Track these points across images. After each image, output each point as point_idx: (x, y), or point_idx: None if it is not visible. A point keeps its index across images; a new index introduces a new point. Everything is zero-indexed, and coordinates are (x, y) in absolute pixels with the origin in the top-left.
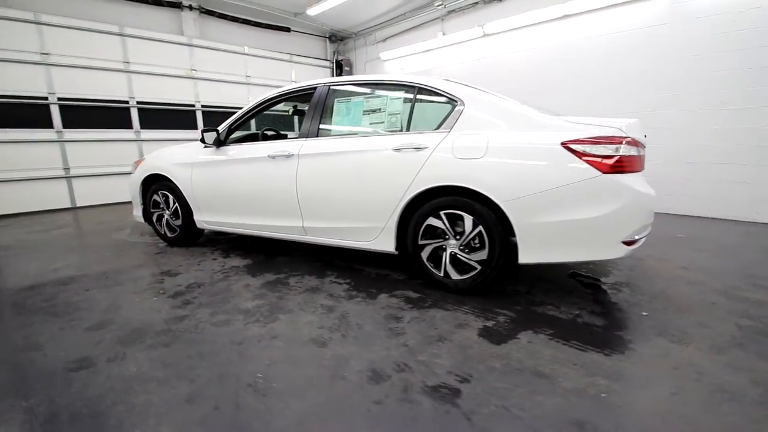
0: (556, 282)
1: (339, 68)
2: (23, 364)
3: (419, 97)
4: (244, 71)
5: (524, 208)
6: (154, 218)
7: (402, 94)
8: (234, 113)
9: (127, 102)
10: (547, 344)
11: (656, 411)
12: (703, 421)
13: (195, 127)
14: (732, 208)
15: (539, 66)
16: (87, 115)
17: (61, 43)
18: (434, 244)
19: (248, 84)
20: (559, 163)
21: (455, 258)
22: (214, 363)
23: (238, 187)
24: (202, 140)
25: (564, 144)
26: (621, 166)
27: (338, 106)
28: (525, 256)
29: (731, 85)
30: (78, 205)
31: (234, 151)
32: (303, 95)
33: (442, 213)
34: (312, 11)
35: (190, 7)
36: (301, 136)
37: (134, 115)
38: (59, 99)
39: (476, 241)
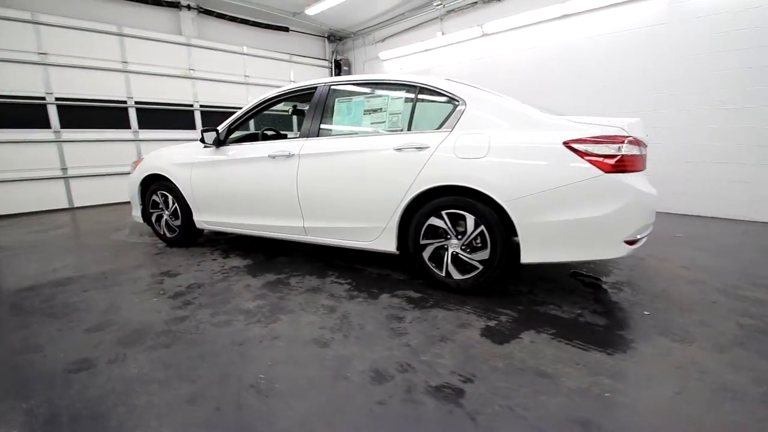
0: (557, 281)
1: (338, 68)
2: (22, 366)
3: (420, 96)
4: (242, 71)
5: (526, 207)
6: (153, 218)
7: (403, 94)
8: (232, 113)
9: (125, 102)
10: (549, 344)
11: (660, 410)
12: (706, 420)
13: (193, 127)
14: (731, 207)
15: (539, 65)
16: (85, 115)
17: (59, 43)
18: (436, 243)
19: (247, 84)
20: (561, 162)
21: (457, 258)
22: (216, 364)
23: (239, 187)
24: (202, 140)
25: (566, 143)
26: (623, 166)
27: (339, 105)
28: (527, 256)
29: (730, 84)
30: (76, 205)
31: (234, 150)
32: (303, 95)
33: (443, 213)
34: (311, 11)
35: (189, 7)
36: (301, 135)
37: (132, 115)
38: (57, 99)
39: (478, 240)
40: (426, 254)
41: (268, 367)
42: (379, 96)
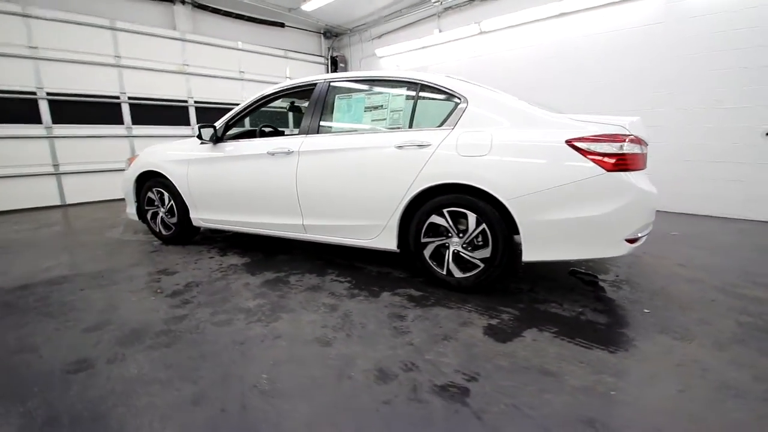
0: (557, 280)
1: (334, 65)
2: (19, 367)
3: (422, 94)
4: (237, 67)
5: (528, 205)
6: (149, 216)
7: (404, 91)
8: (227, 110)
9: (118, 97)
10: (552, 342)
11: (664, 408)
12: (709, 418)
13: (188, 124)
14: (727, 206)
15: (536, 64)
16: (77, 110)
17: (50, 37)
18: (437, 242)
19: (242, 80)
20: (563, 160)
21: (458, 256)
22: (217, 363)
23: (237, 184)
24: (199, 136)
25: (568, 142)
26: (625, 164)
27: (339, 102)
28: (529, 254)
29: (727, 84)
30: (68, 202)
31: (231, 147)
32: (302, 91)
33: (445, 211)
34: (307, 6)
35: (183, 1)
36: (300, 132)
37: (125, 110)
38: (48, 94)
39: (479, 239)
40: (427, 252)
41: (271, 367)
42: (380, 93)
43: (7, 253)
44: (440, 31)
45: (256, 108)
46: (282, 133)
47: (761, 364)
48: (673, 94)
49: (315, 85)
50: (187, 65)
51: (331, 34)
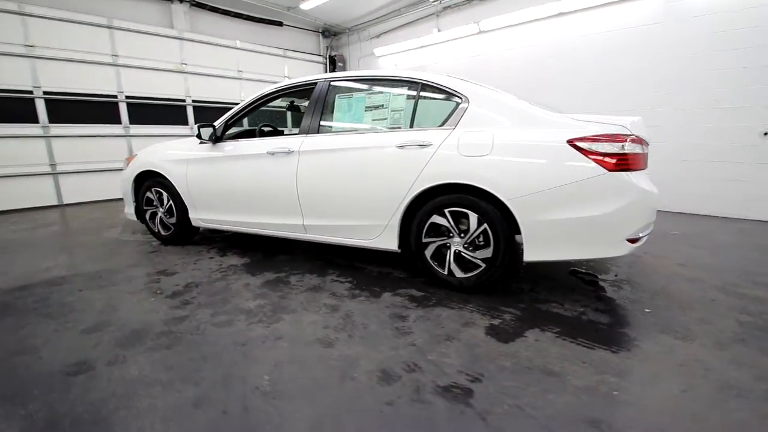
0: (557, 280)
1: (332, 64)
2: (18, 369)
3: (423, 93)
4: (235, 66)
5: (530, 205)
6: (147, 216)
7: (405, 91)
8: (225, 109)
9: (115, 96)
10: (554, 342)
11: (667, 408)
12: (712, 417)
13: (186, 123)
14: (725, 205)
15: (535, 63)
16: (74, 109)
17: (47, 35)
18: (438, 242)
19: (240, 79)
20: (565, 160)
21: (459, 256)
22: (219, 365)
23: (236, 184)
24: (198, 136)
25: (570, 141)
26: (626, 164)
27: (339, 102)
28: (530, 254)
29: (725, 84)
30: (65, 202)
31: (231, 147)
32: (302, 91)
33: (446, 211)
34: (305, 5)
35: (181, 0)
36: (301, 132)
37: (123, 109)
38: (45, 93)
39: (481, 239)
40: (428, 253)
41: (272, 368)
42: (381, 92)
43: (5, 254)
44: (439, 31)
45: (256, 107)
46: (281, 133)
47: (762, 363)
48: (671, 94)
49: (315, 84)
50: (185, 64)
51: (329, 33)
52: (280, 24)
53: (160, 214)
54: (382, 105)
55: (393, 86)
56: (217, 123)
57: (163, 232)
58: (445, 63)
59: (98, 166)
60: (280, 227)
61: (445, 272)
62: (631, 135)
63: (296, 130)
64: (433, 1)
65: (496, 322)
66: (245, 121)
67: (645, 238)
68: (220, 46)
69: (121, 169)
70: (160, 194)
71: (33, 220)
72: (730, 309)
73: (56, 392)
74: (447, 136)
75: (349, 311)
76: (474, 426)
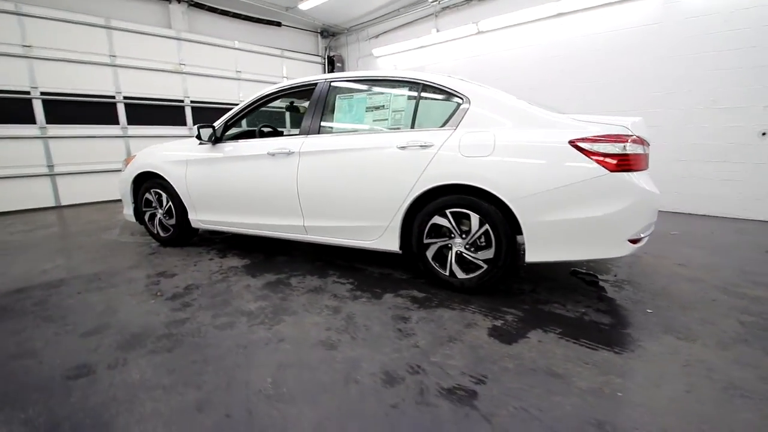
0: (558, 280)
1: (331, 64)
2: (18, 372)
3: (424, 94)
4: (234, 66)
5: (532, 206)
6: (146, 217)
7: (406, 91)
8: (224, 109)
9: (113, 97)
10: (557, 343)
11: (672, 409)
12: (718, 418)
13: (184, 124)
14: (724, 205)
15: (534, 64)
16: (71, 110)
17: (44, 36)
18: (439, 243)
19: (239, 79)
20: (566, 161)
21: (461, 257)
22: (221, 368)
23: (236, 185)
24: (198, 136)
25: (571, 142)
26: (628, 165)
27: (340, 102)
28: (532, 255)
29: (724, 84)
30: (63, 203)
31: (231, 147)
32: (302, 91)
33: (447, 211)
34: (303, 5)
35: (179, 0)
36: (301, 133)
37: (121, 110)
38: (42, 93)
39: (482, 239)
40: (430, 253)
41: (276, 371)
42: (382, 93)
43: (3, 256)
44: (438, 31)
45: (255, 108)
46: (281, 134)
47: (765, 363)
48: (671, 94)
49: (316, 85)
50: (183, 64)
51: (328, 33)
52: (278, 24)
53: (159, 216)
54: (383, 105)
55: (394, 87)
56: (216, 124)
57: (162, 234)
58: (444, 63)
59: (96, 167)
60: (281, 228)
61: (447, 273)
62: (632, 135)
63: (296, 131)
64: (431, 2)
65: (498, 323)
66: (244, 122)
67: (646, 239)
68: (219, 46)
69: (120, 170)
70: (159, 195)
71: (30, 222)
72: (732, 309)
73: (56, 396)
74: (448, 136)
75: (350, 313)
76: (479, 428)
